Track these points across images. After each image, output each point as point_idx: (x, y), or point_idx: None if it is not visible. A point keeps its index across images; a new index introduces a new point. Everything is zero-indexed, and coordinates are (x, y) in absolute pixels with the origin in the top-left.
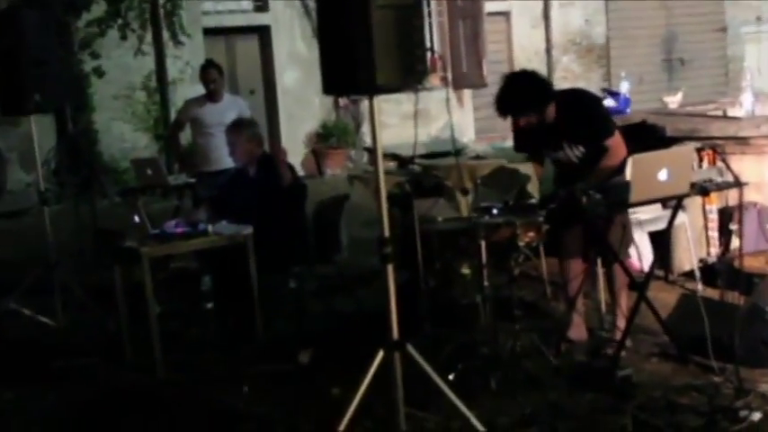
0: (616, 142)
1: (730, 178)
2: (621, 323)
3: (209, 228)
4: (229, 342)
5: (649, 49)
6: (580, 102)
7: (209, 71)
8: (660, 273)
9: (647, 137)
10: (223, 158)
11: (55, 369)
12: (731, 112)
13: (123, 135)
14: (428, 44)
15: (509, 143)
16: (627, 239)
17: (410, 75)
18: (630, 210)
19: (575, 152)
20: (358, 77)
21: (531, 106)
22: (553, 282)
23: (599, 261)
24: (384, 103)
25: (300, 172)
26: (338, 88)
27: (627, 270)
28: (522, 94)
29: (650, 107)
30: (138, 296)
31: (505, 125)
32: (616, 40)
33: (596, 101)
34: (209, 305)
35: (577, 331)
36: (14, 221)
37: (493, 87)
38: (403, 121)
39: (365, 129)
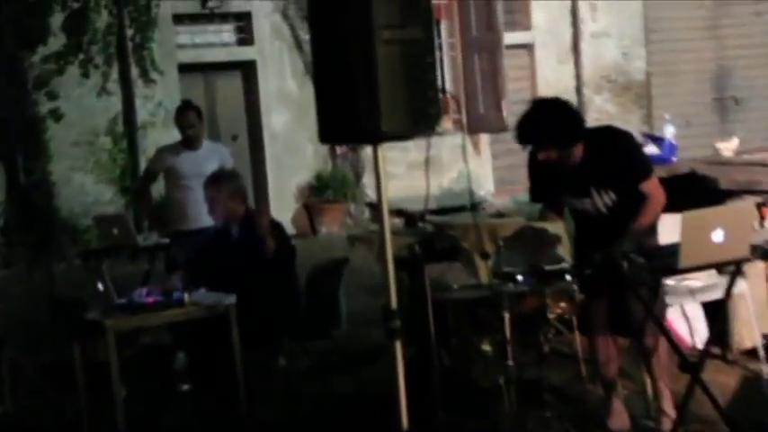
0: (655, 187)
1: None
2: (669, 409)
3: (186, 297)
4: (208, 430)
5: (697, 87)
6: (613, 138)
7: (186, 114)
8: (717, 351)
9: (697, 190)
10: (201, 215)
11: None
12: None
13: (85, 187)
14: (440, 83)
15: None
16: (663, 310)
17: (421, 120)
18: (680, 277)
19: (604, 199)
20: (360, 123)
21: (557, 137)
22: (589, 360)
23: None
24: (389, 150)
25: (291, 231)
26: (337, 136)
27: (676, 347)
28: (550, 122)
29: (700, 154)
30: (102, 377)
31: None
32: (658, 76)
33: (632, 138)
34: (185, 387)
35: (618, 420)
36: None
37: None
38: (410, 171)
39: (367, 180)
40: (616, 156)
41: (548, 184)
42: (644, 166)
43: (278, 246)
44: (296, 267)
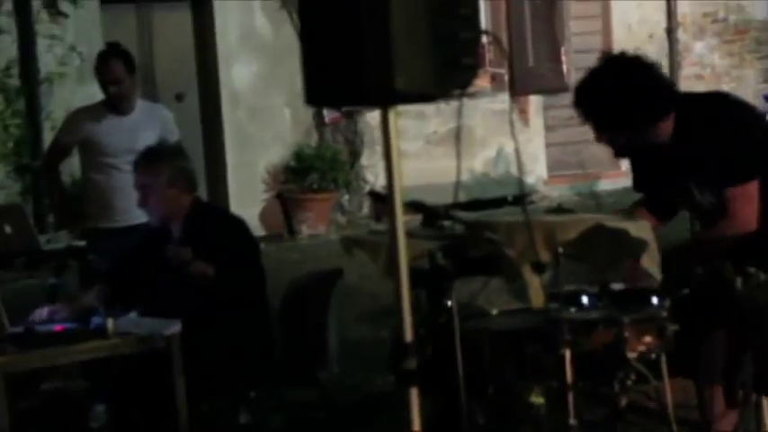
0: (744, 195)
1: None
2: None
3: (109, 323)
4: None
5: None
6: (713, 112)
7: (110, 63)
8: None
9: None
10: (132, 208)
11: None
12: None
13: None
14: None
15: (605, 184)
16: None
17: (451, 74)
18: None
19: (706, 199)
20: (365, 78)
21: (624, 116)
22: (685, 419)
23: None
24: (403, 118)
25: (259, 232)
26: (330, 96)
27: None
28: (618, 92)
29: None
30: None
31: (599, 153)
32: None
33: (741, 113)
34: None
35: None
36: None
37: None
38: (430, 149)
39: (367, 160)
40: (714, 143)
41: (648, 169)
42: (741, 162)
43: (231, 262)
44: (265, 285)
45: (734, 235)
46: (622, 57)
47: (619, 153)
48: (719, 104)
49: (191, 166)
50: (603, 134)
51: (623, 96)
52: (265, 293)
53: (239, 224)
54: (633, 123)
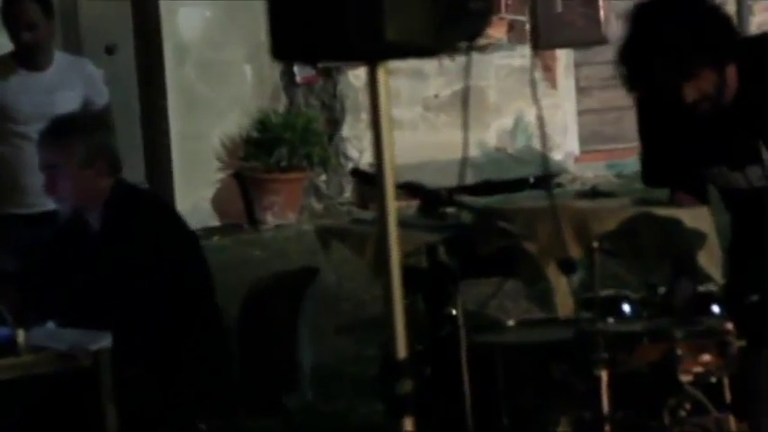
0: None
1: None
2: None
3: (20, 335)
4: None
5: None
6: None
7: (23, 4)
8: None
9: None
10: None
11: None
12: None
13: None
14: None
15: None
16: None
17: (456, 21)
18: None
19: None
20: (347, 26)
21: (699, 49)
22: None
23: None
24: (395, 78)
25: (212, 221)
26: (302, 50)
27: None
28: (687, 21)
29: None
30: None
31: None
32: None
33: None
34: None
35: None
36: None
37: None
38: (427, 116)
39: (348, 131)
40: None
41: (676, 149)
42: None
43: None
44: (212, 288)
45: None
46: None
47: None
48: None
49: (112, 141)
50: (685, 83)
51: (695, 20)
52: (214, 298)
53: (171, 212)
54: (717, 53)
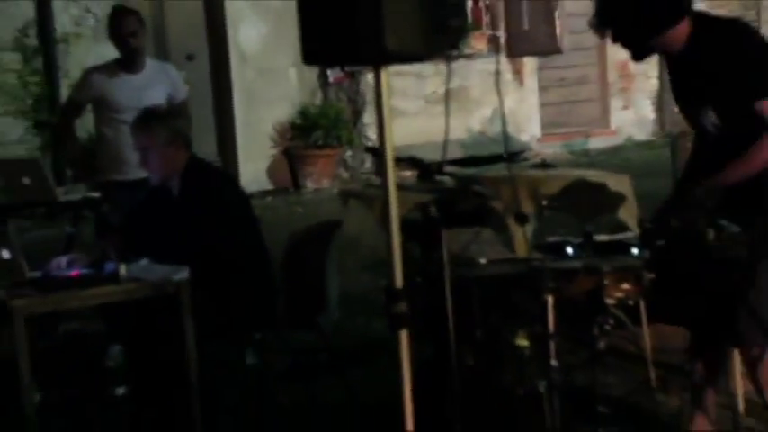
0: None
1: None
2: None
3: (122, 269)
4: None
5: None
6: (730, 33)
7: (123, 22)
8: None
9: None
10: None
11: None
12: None
13: None
14: None
15: (596, 142)
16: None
17: (440, 34)
18: None
19: (710, 120)
20: (358, 38)
21: (641, 16)
22: (661, 362)
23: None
24: (401, 79)
25: (267, 185)
26: (325, 56)
27: None
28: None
29: None
30: (7, 376)
31: (590, 113)
32: None
33: (758, 39)
34: (120, 391)
35: None
36: None
37: (571, 56)
38: (427, 108)
39: (369, 118)
40: (727, 57)
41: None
42: (763, 79)
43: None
44: (260, 233)
45: (757, 165)
46: None
47: (636, 56)
48: (739, 26)
49: (185, 125)
50: (620, 38)
51: None
52: (262, 241)
53: (230, 179)
54: (649, 25)
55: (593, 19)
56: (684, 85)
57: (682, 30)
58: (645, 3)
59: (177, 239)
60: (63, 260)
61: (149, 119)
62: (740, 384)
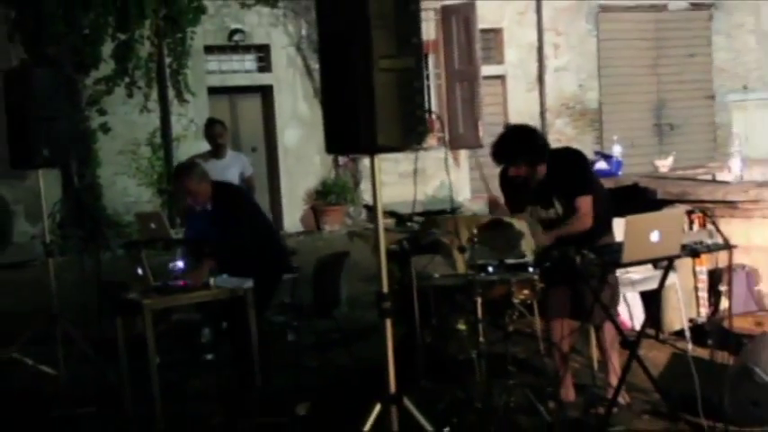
0: (586, 206)
1: (720, 241)
2: (614, 381)
3: (211, 281)
4: (229, 394)
5: (640, 115)
6: (569, 156)
7: (213, 128)
8: (651, 332)
9: (639, 199)
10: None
11: (55, 418)
12: (720, 177)
13: (127, 189)
14: (427, 106)
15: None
16: (616, 298)
17: (410, 135)
18: (623, 270)
19: (555, 212)
20: (360, 137)
21: (527, 156)
22: (546, 339)
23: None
24: (383, 161)
25: (299, 228)
26: (340, 147)
27: (619, 328)
28: (522, 143)
29: (642, 170)
30: (140, 347)
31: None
32: (608, 105)
33: (583, 159)
34: (209, 357)
35: (568, 392)
36: (19, 272)
37: (488, 148)
38: (401, 180)
39: (364, 186)
40: (568, 170)
41: (518, 197)
42: (583, 182)
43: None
44: (274, 232)
45: (578, 230)
46: (519, 124)
47: (508, 195)
48: (573, 150)
49: (204, 169)
50: (512, 167)
51: (525, 143)
52: (278, 239)
53: (242, 193)
54: (532, 157)
55: (492, 158)
56: (544, 194)
57: (544, 167)
58: (529, 146)
59: (216, 235)
60: (179, 263)
61: (185, 171)
62: (594, 352)
